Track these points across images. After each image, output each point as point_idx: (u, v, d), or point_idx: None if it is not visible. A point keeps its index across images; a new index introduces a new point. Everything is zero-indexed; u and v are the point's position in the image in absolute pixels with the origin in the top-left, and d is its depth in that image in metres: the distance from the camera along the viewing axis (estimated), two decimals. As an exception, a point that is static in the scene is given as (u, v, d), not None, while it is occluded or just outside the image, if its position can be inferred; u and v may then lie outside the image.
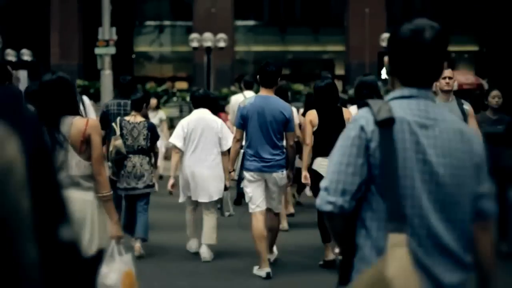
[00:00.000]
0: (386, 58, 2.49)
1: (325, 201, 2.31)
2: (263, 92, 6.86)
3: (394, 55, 2.44)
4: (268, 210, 7.00)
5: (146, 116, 8.14)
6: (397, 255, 2.13)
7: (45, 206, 1.05)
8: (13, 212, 0.98)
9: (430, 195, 2.27)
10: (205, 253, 7.52)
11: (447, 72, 7.19)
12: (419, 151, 2.28)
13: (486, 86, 20.49)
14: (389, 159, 2.24)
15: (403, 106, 2.34)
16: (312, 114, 7.13)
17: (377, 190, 2.29)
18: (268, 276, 6.70)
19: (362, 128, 2.30)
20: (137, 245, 7.59)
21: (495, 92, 8.16)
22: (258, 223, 6.82)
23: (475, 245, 2.39)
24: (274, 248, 7.44)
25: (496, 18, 30.51)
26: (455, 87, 22.41)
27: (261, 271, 6.77)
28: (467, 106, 7.22)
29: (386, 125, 2.26)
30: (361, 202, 2.32)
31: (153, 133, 7.77)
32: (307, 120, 7.16)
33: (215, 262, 7.45)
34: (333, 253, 7.09)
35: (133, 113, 7.77)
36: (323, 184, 2.35)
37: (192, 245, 7.91)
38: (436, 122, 2.34)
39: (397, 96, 2.40)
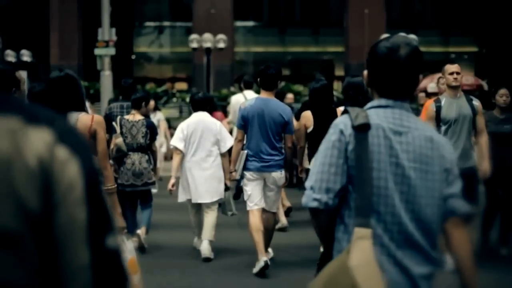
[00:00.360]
0: (365, 72, 2.70)
1: (311, 198, 2.52)
2: (263, 94, 6.98)
3: (372, 70, 2.67)
4: (265, 210, 7.08)
5: (147, 115, 8.25)
6: (361, 247, 2.38)
7: (97, 218, 1.25)
8: (70, 223, 1.21)
9: (402, 195, 2.50)
10: (205, 249, 7.55)
11: (454, 68, 7.13)
12: (393, 155, 2.51)
13: (485, 87, 20.48)
14: (362, 160, 2.48)
15: (379, 114, 2.58)
16: (307, 116, 7.17)
17: (353, 189, 2.51)
18: (266, 264, 6.72)
19: (341, 132, 2.53)
20: (142, 231, 7.76)
21: (503, 91, 7.94)
22: (255, 218, 6.99)
23: (450, 242, 2.60)
24: (270, 249, 7.47)
25: (495, 19, 30.54)
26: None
27: (259, 262, 6.80)
28: (476, 102, 7.10)
29: (362, 130, 2.50)
30: (341, 200, 2.54)
31: (151, 131, 7.90)
32: (301, 123, 7.23)
33: (215, 261, 7.46)
34: None
35: (132, 111, 7.92)
36: (308, 183, 2.56)
37: (198, 243, 7.95)
38: (409, 129, 2.57)
39: (374, 106, 2.63)
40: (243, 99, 10.13)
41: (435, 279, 2.57)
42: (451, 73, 7.13)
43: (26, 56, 26.68)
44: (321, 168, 2.54)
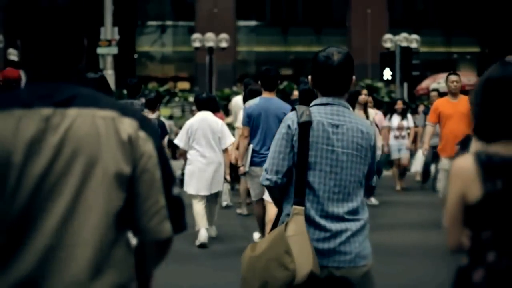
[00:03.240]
0: (310, 77, 3.38)
1: (264, 178, 3.27)
2: (266, 94, 7.42)
3: (314, 74, 3.35)
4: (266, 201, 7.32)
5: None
6: (296, 221, 3.11)
7: (165, 176, 1.93)
8: (152, 180, 1.89)
9: (336, 175, 3.19)
10: (203, 236, 8.02)
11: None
12: (329, 144, 3.20)
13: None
14: (303, 150, 3.17)
15: (320, 111, 3.25)
16: None
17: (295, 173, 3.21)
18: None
19: (289, 127, 3.22)
20: None
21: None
22: (259, 207, 7.50)
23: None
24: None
25: (498, 19, 30.51)
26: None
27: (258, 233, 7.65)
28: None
29: (304, 126, 3.18)
30: (289, 179, 3.23)
31: (162, 129, 8.36)
32: None
33: (215, 246, 7.48)
34: None
35: (146, 110, 8.37)
36: (264, 166, 3.31)
37: (201, 236, 8.07)
38: (345, 122, 3.24)
39: (317, 103, 3.31)
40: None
41: (365, 234, 3.25)
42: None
43: (28, 55, 26.69)
44: (273, 155, 3.25)
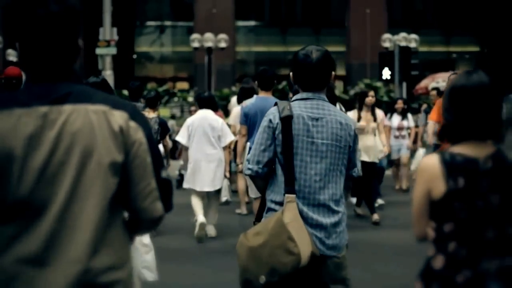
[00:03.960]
0: (291, 74, 3.63)
1: (246, 168, 3.57)
2: (262, 94, 7.52)
3: (295, 71, 3.60)
4: None
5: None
6: (290, 208, 3.39)
7: (155, 160, 2.15)
8: (144, 164, 2.11)
9: (316, 165, 3.45)
10: (211, 230, 8.60)
11: None
12: (309, 136, 3.45)
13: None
14: (286, 143, 3.44)
15: (301, 105, 3.51)
16: None
17: (279, 162, 3.49)
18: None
19: (270, 121, 3.49)
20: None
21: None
22: (258, 204, 7.67)
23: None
24: None
25: (497, 18, 30.53)
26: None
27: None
28: None
29: (286, 120, 3.44)
30: (270, 169, 3.51)
31: (163, 127, 8.67)
32: None
33: (216, 241, 7.49)
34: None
35: (147, 109, 8.55)
36: (246, 157, 3.61)
37: (199, 219, 8.43)
38: (324, 115, 3.49)
39: (298, 98, 3.57)
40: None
41: (340, 227, 3.52)
42: None
43: (27, 55, 26.68)
44: (255, 146, 3.53)
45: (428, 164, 2.66)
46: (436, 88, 13.34)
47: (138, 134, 2.11)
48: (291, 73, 3.64)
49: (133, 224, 2.20)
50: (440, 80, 21.22)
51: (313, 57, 3.52)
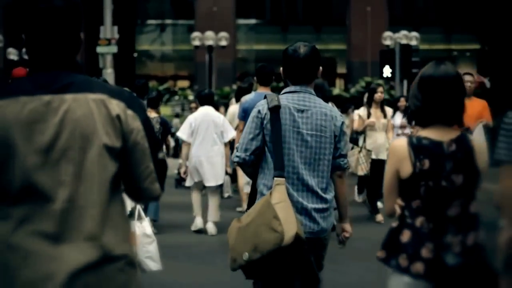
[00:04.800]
0: (281, 68, 3.83)
1: (235, 156, 3.76)
2: (261, 89, 7.58)
3: (284, 66, 3.82)
4: None
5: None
6: (278, 190, 3.54)
7: (152, 144, 2.30)
8: (142, 149, 2.27)
9: (302, 153, 3.65)
10: (211, 228, 8.57)
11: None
12: (295, 126, 3.65)
13: (487, 84, 20.45)
14: (276, 131, 3.63)
15: (288, 97, 3.72)
16: None
17: (268, 150, 3.68)
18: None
19: (259, 111, 3.69)
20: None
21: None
22: None
23: (335, 187, 3.79)
24: None
25: (497, 16, 30.49)
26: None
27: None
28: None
29: (274, 110, 3.64)
30: (261, 156, 3.70)
31: (164, 127, 8.76)
32: None
33: (215, 257, 7.49)
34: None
35: (149, 109, 8.59)
36: (235, 145, 3.79)
37: (197, 223, 8.80)
38: (310, 107, 3.70)
39: (286, 91, 3.78)
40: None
41: (328, 213, 3.73)
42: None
43: (28, 54, 26.66)
44: (243, 135, 3.73)
45: (397, 146, 2.96)
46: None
47: (136, 123, 2.26)
48: (281, 68, 3.84)
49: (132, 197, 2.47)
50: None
51: (300, 52, 3.74)
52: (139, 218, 5.12)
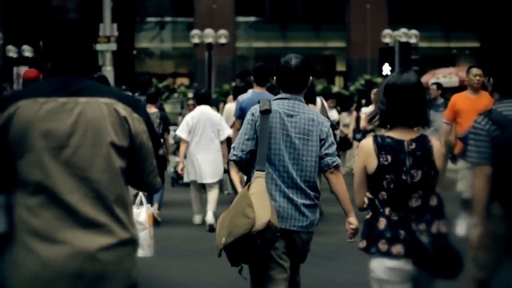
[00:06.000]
0: (274, 77, 4.20)
1: (232, 154, 4.09)
2: (258, 89, 7.70)
3: (277, 75, 4.16)
4: None
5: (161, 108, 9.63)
6: (257, 182, 3.90)
7: (154, 143, 2.61)
8: (147, 148, 2.57)
9: (290, 154, 4.02)
10: (210, 217, 8.70)
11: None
12: (284, 129, 4.02)
13: (487, 81, 20.38)
14: (264, 132, 3.97)
15: (279, 103, 4.09)
16: None
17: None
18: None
19: (253, 114, 4.06)
20: (155, 207, 8.83)
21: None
22: None
23: (331, 183, 4.10)
24: None
25: (497, 14, 30.50)
26: (456, 84, 22.14)
27: None
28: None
29: (265, 113, 4.00)
30: (253, 156, 4.02)
31: (164, 122, 9.04)
32: None
33: (214, 255, 7.49)
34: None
35: (148, 105, 8.87)
36: (232, 145, 4.19)
37: (196, 219, 9.17)
38: (298, 113, 4.07)
39: (278, 98, 4.15)
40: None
41: (316, 209, 4.09)
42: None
43: (27, 51, 26.63)
44: (240, 136, 4.08)
45: (364, 144, 3.42)
46: (436, 83, 13.23)
47: (141, 125, 2.56)
48: (274, 77, 4.21)
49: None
50: (440, 76, 21.22)
51: (292, 63, 4.11)
52: (141, 204, 5.43)
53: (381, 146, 3.32)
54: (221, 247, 3.89)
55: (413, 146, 3.32)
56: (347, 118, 14.92)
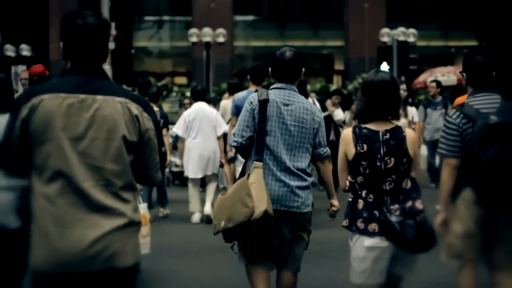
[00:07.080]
0: (270, 69, 4.49)
1: (232, 140, 4.39)
2: (253, 87, 7.74)
3: (272, 66, 4.48)
4: None
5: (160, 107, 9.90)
6: (256, 172, 4.19)
7: (159, 140, 2.91)
8: (152, 144, 2.91)
9: (285, 141, 4.31)
10: (208, 208, 9.03)
11: None
12: (281, 117, 4.33)
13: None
14: (262, 120, 4.27)
15: (275, 93, 4.39)
16: None
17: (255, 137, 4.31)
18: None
19: (251, 103, 4.35)
20: (161, 209, 9.59)
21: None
22: None
23: (319, 171, 4.55)
24: None
25: (495, 13, 30.50)
26: (454, 82, 22.08)
27: None
28: None
29: (262, 102, 4.29)
30: (251, 142, 4.32)
31: (164, 120, 9.26)
32: None
33: (213, 254, 7.50)
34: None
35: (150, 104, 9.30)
36: (232, 131, 4.51)
37: (195, 217, 9.35)
38: (294, 102, 4.38)
39: (274, 87, 4.44)
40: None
41: (309, 190, 4.41)
42: None
43: (25, 50, 26.55)
44: (239, 123, 4.37)
45: (345, 134, 3.93)
46: (435, 81, 13.19)
47: (149, 123, 2.88)
48: (270, 68, 4.50)
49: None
50: (438, 75, 21.20)
51: (286, 55, 4.43)
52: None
53: (358, 136, 3.84)
54: (220, 229, 4.22)
55: (387, 136, 3.80)
56: (348, 117, 14.91)
